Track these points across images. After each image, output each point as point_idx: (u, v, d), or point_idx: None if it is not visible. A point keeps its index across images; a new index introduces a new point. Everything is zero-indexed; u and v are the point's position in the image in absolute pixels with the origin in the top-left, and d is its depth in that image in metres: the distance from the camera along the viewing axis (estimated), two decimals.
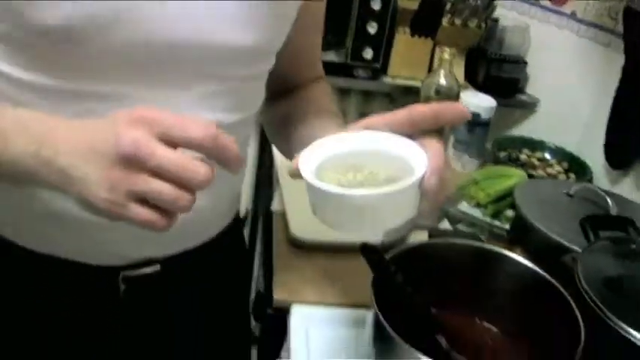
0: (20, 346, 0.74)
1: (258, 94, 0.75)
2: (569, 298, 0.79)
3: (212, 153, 0.49)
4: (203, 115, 0.65)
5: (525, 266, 0.82)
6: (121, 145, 0.47)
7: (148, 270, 0.73)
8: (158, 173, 0.48)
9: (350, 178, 0.56)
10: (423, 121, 0.59)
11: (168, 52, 0.60)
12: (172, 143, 0.48)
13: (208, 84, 0.65)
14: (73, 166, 0.49)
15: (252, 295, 1.10)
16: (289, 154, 0.78)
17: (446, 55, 1.47)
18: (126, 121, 0.48)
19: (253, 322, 1.07)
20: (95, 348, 0.76)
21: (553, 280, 0.80)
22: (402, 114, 0.59)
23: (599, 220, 0.99)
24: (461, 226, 1.22)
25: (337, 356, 0.86)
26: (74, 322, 0.74)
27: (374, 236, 0.77)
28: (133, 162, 0.47)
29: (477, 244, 0.86)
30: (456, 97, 1.49)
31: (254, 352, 1.20)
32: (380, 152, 0.58)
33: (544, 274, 0.81)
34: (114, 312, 0.75)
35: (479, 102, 1.45)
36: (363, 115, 2.02)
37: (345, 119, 2.21)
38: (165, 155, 0.47)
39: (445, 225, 1.19)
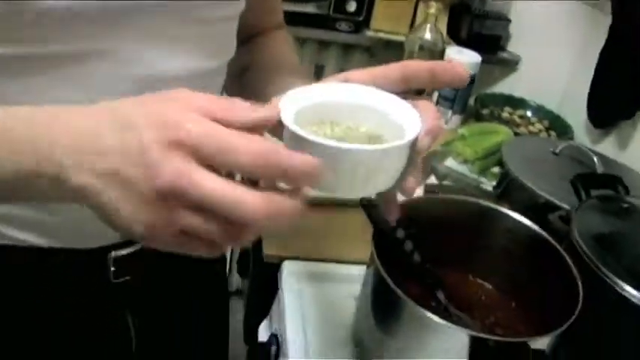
0: (12, 337, 0.70)
1: (232, 38, 0.72)
2: (565, 255, 0.79)
3: (267, 176, 0.41)
4: (186, 62, 0.62)
5: (521, 224, 0.82)
6: (159, 179, 0.39)
7: (135, 247, 0.70)
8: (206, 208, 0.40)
9: (327, 132, 0.49)
10: (416, 79, 0.52)
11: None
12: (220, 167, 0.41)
13: (191, 28, 0.62)
14: (93, 189, 0.41)
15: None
16: None
17: (432, 10, 1.44)
18: (160, 145, 0.39)
19: (239, 279, 1.05)
20: (89, 335, 0.73)
21: (549, 238, 0.80)
22: (393, 69, 0.52)
23: (589, 179, 0.99)
24: (447, 183, 1.21)
25: (332, 313, 0.85)
26: (66, 312, 0.70)
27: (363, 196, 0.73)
28: (175, 197, 0.39)
29: (473, 200, 0.85)
30: (440, 53, 1.48)
31: (240, 307, 1.18)
32: (359, 106, 0.51)
33: (541, 231, 0.81)
34: (105, 295, 0.72)
35: (464, 58, 1.43)
36: (342, 69, 2.01)
37: (323, 73, 2.16)
38: (215, 188, 0.39)
39: (432, 181, 1.18)
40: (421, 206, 0.83)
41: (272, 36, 0.84)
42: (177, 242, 0.42)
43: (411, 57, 1.48)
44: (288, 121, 0.46)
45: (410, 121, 0.49)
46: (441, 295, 0.76)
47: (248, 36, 0.81)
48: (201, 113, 0.41)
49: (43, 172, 0.42)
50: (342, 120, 0.51)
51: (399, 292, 0.66)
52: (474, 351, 0.65)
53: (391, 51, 1.82)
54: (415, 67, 0.51)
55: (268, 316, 0.99)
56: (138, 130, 0.40)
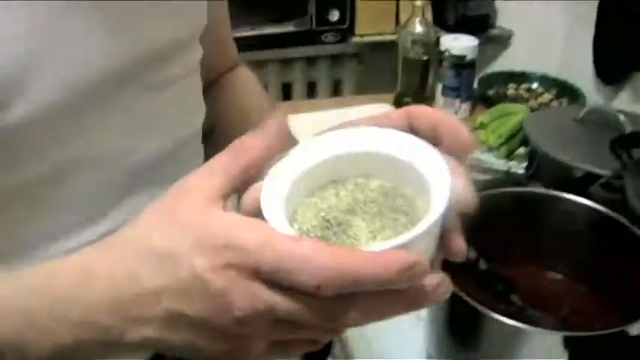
0: None
1: (199, 94, 0.65)
2: (629, 226, 0.75)
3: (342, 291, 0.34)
4: (162, 135, 0.56)
5: (577, 203, 0.78)
6: (235, 309, 0.34)
7: None
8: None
9: (332, 203, 0.40)
10: (419, 126, 0.42)
11: (109, 74, 0.50)
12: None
13: (154, 96, 0.55)
14: (157, 338, 0.36)
15: None
16: None
17: (418, 2, 1.41)
18: (218, 272, 0.34)
19: None
20: None
21: (609, 212, 0.76)
22: (399, 114, 0.42)
23: (627, 140, 0.95)
24: (475, 176, 1.17)
25: (401, 338, 0.81)
26: None
27: None
28: (255, 320, 0.35)
29: (522, 189, 0.81)
30: (434, 44, 1.44)
31: None
32: (368, 153, 0.41)
33: (598, 206, 0.77)
34: None
35: (461, 43, 1.40)
36: (335, 82, 1.98)
37: (316, 90, 2.12)
38: (296, 308, 0.34)
39: None
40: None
41: (233, 82, 0.75)
42: (275, 351, 0.37)
43: (406, 54, 1.44)
44: (272, 216, 0.36)
45: (435, 171, 0.37)
46: (515, 298, 0.72)
47: (205, 85, 0.71)
48: (223, 203, 0.37)
49: (83, 340, 0.37)
50: (350, 175, 0.41)
51: (482, 309, 0.62)
52: (573, 350, 0.61)
53: (379, 53, 1.78)
54: (419, 112, 0.41)
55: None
56: (184, 259, 0.34)
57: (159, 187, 0.51)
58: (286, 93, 1.87)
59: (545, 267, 0.81)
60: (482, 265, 0.71)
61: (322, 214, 0.39)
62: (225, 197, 0.37)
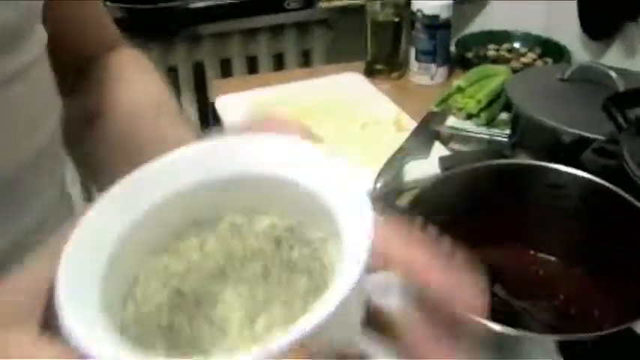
0: None
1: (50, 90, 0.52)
2: (626, 197, 0.64)
3: None
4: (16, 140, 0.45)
5: (570, 175, 0.67)
6: None
7: None
8: None
9: (193, 262, 0.28)
10: None
11: None
12: None
13: None
14: None
15: None
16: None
17: None
18: None
19: None
20: None
21: (609, 185, 0.65)
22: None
23: (623, 98, 0.84)
24: (455, 146, 1.06)
25: None
26: None
27: None
28: None
29: (503, 161, 0.70)
30: (406, 6, 1.32)
31: None
32: (247, 177, 0.28)
33: (597, 179, 0.66)
34: None
35: (434, 2, 1.27)
36: (303, 52, 1.85)
37: (284, 60, 1.99)
38: None
39: (438, 149, 1.03)
40: (443, 186, 0.67)
41: (115, 65, 0.61)
42: None
43: (375, 17, 1.32)
44: (72, 324, 0.22)
45: (352, 204, 0.25)
46: (498, 289, 0.61)
47: (77, 69, 0.59)
48: None
49: None
50: (225, 213, 0.28)
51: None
52: (569, 357, 0.50)
53: (349, 18, 1.66)
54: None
55: None
56: None
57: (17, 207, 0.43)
58: (252, 67, 1.75)
59: (534, 249, 0.70)
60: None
61: (174, 283, 0.27)
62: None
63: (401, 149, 0.98)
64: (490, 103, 1.10)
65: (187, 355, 0.25)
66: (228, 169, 0.27)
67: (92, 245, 0.25)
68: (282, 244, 0.28)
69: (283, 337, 0.21)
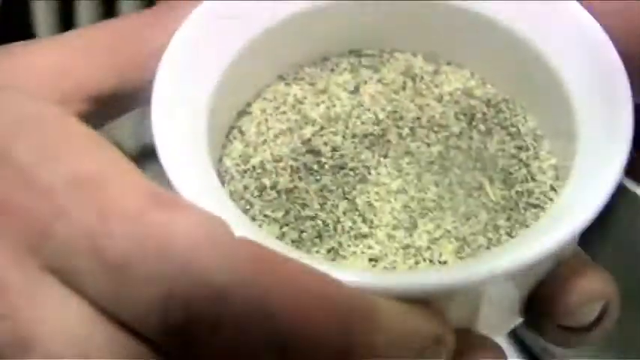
0: None
1: None
2: None
3: None
4: None
5: None
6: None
7: None
8: None
9: (339, 107, 0.21)
10: None
11: None
12: None
13: None
14: None
15: None
16: None
17: None
18: None
19: None
20: None
21: None
22: None
23: None
24: None
25: None
26: None
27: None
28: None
29: None
30: None
31: None
32: (453, 12, 0.21)
33: None
34: None
35: None
36: None
37: None
38: None
39: None
40: None
41: None
42: None
43: None
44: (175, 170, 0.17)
45: (601, 87, 0.18)
46: None
47: None
48: None
49: None
50: (397, 49, 0.22)
51: None
52: None
53: None
54: None
55: None
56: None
57: None
58: None
59: None
60: None
61: (306, 132, 0.20)
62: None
63: None
64: None
65: (304, 241, 0.18)
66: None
67: (212, 44, 0.19)
68: (477, 122, 0.21)
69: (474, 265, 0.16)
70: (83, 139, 0.15)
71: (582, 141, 0.18)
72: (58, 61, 0.19)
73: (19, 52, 0.19)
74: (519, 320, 0.19)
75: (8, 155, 0.15)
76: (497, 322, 0.19)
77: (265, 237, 0.17)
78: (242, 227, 0.15)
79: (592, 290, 0.18)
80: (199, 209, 0.14)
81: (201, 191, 0.16)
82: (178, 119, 0.18)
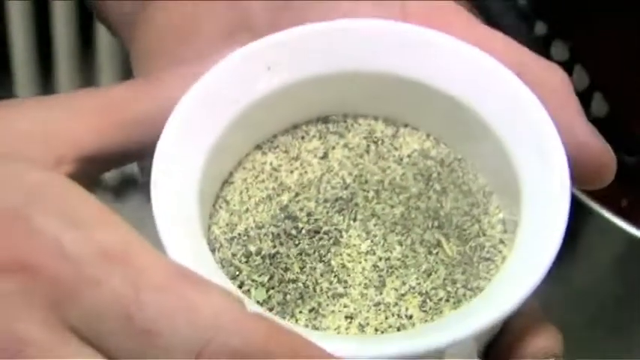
0: None
1: None
2: None
3: None
4: None
5: None
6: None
7: None
8: None
9: (311, 175, 0.23)
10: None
11: None
12: None
13: None
14: None
15: None
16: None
17: None
18: None
19: None
20: None
21: None
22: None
23: None
24: None
25: None
26: None
27: None
28: None
29: None
30: None
31: None
32: (392, 82, 0.23)
33: None
34: None
35: None
36: None
37: None
38: None
39: None
40: None
41: None
42: None
43: None
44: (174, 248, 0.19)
45: (541, 153, 0.20)
46: None
47: None
48: None
49: None
50: (360, 114, 0.23)
51: None
52: None
53: None
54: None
55: None
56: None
57: None
58: None
59: None
60: (600, 107, 0.40)
61: (283, 198, 0.22)
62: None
63: None
64: None
65: (288, 303, 0.20)
66: (369, 63, 0.22)
67: (203, 118, 0.21)
68: (433, 182, 0.22)
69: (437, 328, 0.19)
70: (95, 210, 0.17)
71: (525, 194, 0.20)
72: (48, 124, 0.20)
73: (5, 114, 0.20)
74: None
75: (32, 225, 0.16)
76: None
77: (252, 304, 0.19)
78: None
79: (544, 347, 0.20)
80: (218, 286, 0.17)
81: (194, 259, 0.18)
82: (174, 190, 0.20)
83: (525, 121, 0.20)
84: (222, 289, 0.17)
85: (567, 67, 0.42)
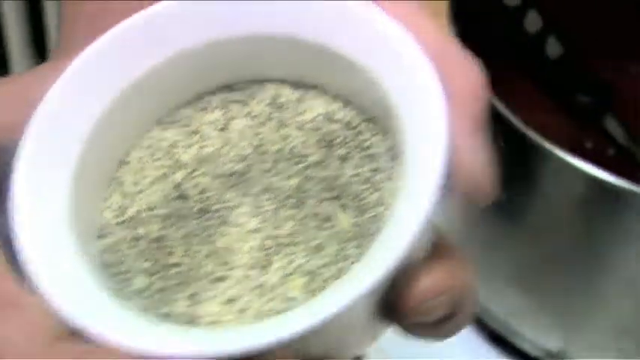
0: None
1: None
2: None
3: None
4: None
5: None
6: None
7: None
8: None
9: (210, 148, 0.21)
10: None
11: None
12: None
13: None
14: None
15: None
16: None
17: None
18: None
19: None
20: None
21: None
22: None
23: None
24: None
25: None
26: None
27: None
28: None
29: None
30: None
31: None
32: (287, 40, 0.21)
33: None
34: None
35: None
36: None
37: None
38: None
39: None
40: None
41: None
42: None
43: None
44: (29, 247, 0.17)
45: (423, 110, 0.18)
46: (612, 124, 0.42)
47: None
48: None
49: None
50: (268, 76, 0.22)
51: (545, 145, 0.33)
52: None
53: None
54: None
55: None
56: None
57: None
58: None
59: None
60: (554, 48, 0.40)
61: (177, 176, 0.20)
62: None
63: None
64: None
65: (168, 289, 0.19)
66: (262, 26, 0.20)
67: (73, 109, 0.19)
68: (336, 148, 0.20)
69: (299, 313, 0.17)
70: None
71: (407, 160, 0.18)
72: None
73: None
74: (387, 326, 0.19)
75: None
76: (363, 339, 0.20)
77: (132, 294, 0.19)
78: (89, 302, 0.17)
79: (432, 286, 0.18)
80: (32, 307, 0.16)
81: (50, 266, 0.17)
82: (40, 178, 0.18)
83: (420, 102, 0.18)
84: (33, 312, 0.16)
85: (520, 11, 0.42)
